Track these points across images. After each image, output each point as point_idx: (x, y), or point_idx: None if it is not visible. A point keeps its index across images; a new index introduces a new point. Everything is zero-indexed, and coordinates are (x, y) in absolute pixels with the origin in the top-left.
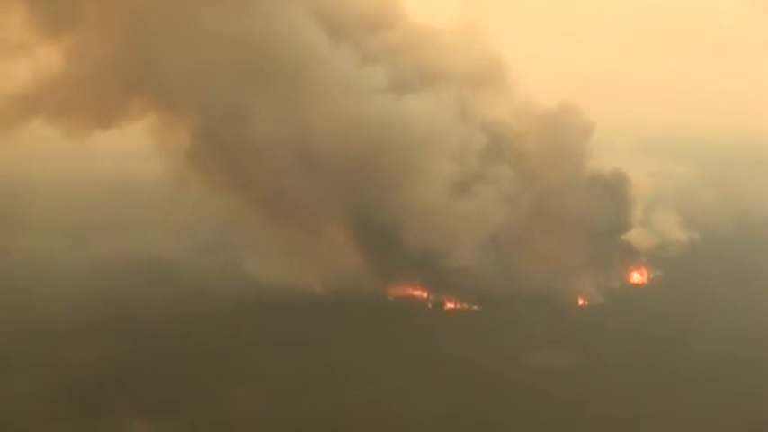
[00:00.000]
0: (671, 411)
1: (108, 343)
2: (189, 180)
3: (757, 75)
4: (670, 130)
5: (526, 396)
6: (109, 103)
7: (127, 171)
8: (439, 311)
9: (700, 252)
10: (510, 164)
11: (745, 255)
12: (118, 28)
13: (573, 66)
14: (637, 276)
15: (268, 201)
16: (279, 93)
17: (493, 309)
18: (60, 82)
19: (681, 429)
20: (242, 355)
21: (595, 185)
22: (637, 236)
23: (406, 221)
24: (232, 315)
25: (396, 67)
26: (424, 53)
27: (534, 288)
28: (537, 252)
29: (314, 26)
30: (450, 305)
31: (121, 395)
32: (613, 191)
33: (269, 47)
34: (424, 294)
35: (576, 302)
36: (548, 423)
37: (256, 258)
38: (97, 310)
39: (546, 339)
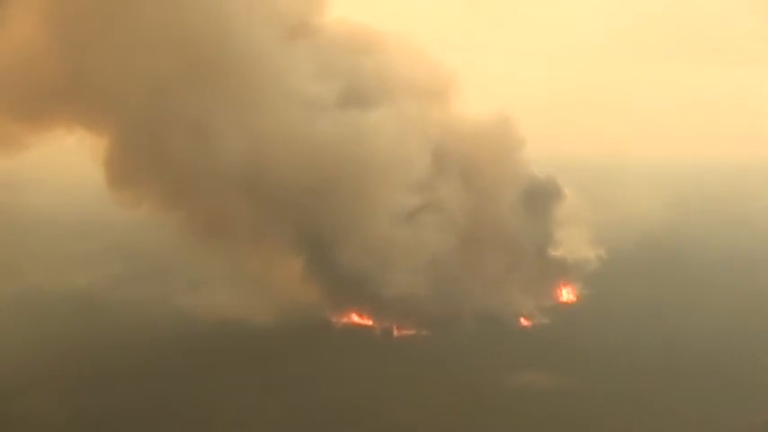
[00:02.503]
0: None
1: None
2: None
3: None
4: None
5: (500, 418)
6: (34, 110)
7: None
8: (388, 339)
9: (612, 269)
10: (453, 183)
11: (652, 269)
12: (45, 26)
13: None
14: (567, 294)
15: (204, 224)
16: (225, 103)
17: (442, 333)
18: None
19: None
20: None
21: (532, 197)
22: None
23: (349, 250)
24: (163, 350)
25: (348, 81)
26: (377, 65)
27: (476, 310)
28: (475, 273)
29: (266, 31)
30: (398, 332)
31: None
32: (546, 202)
33: (214, 50)
34: (370, 322)
35: (520, 323)
36: None
37: (191, 290)
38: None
39: (506, 362)
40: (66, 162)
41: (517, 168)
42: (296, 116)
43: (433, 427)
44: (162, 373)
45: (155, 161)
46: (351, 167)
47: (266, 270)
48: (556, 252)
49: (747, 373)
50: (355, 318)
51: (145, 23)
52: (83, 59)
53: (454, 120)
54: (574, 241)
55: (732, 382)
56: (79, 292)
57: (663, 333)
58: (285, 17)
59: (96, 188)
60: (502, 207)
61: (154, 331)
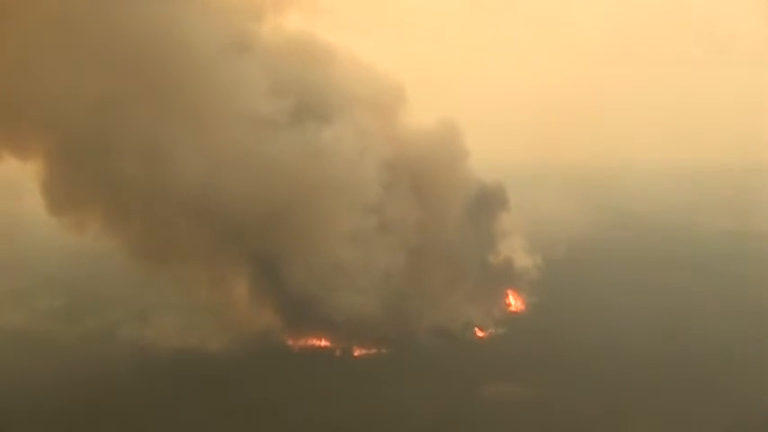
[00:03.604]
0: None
1: None
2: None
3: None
4: None
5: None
6: None
7: None
8: (349, 359)
9: (550, 276)
10: (404, 200)
11: (588, 275)
12: None
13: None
14: (515, 303)
15: (151, 248)
16: (174, 121)
17: (400, 350)
18: None
19: None
20: None
21: (479, 204)
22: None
23: (297, 273)
24: (116, 386)
25: (300, 96)
26: (327, 78)
27: (428, 325)
28: (423, 287)
29: (213, 44)
30: (358, 352)
31: None
32: (493, 210)
33: (160, 65)
34: (327, 344)
35: (475, 334)
36: None
37: (137, 320)
38: None
39: (473, 374)
40: None
41: (463, 178)
42: (249, 135)
43: None
44: (122, 409)
45: (98, 182)
46: (306, 188)
47: (216, 295)
48: (498, 261)
49: (712, 372)
50: (312, 340)
51: (86, 38)
52: (15, 77)
53: (402, 132)
54: (512, 249)
55: (700, 378)
56: (11, 329)
57: (619, 337)
58: (232, 29)
59: (14, 219)
60: (448, 219)
61: (102, 367)
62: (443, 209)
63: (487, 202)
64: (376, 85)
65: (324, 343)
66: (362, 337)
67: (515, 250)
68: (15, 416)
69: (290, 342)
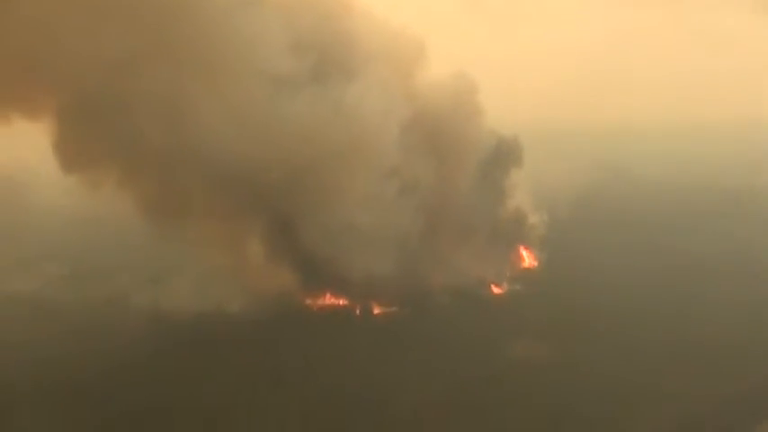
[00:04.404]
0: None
1: None
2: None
3: None
4: None
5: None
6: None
7: None
8: (369, 318)
9: (556, 233)
10: (424, 160)
11: (594, 233)
12: None
13: None
14: (528, 259)
15: (166, 208)
16: (195, 80)
17: (419, 309)
18: None
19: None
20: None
21: (495, 159)
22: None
23: (314, 234)
24: (137, 353)
25: (321, 52)
26: (347, 32)
27: (444, 282)
28: (437, 245)
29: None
30: (377, 310)
31: None
32: (508, 165)
33: (179, 21)
34: (345, 302)
35: (491, 292)
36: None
37: (150, 286)
38: None
39: (496, 332)
40: None
41: (479, 134)
42: (268, 94)
43: (456, 402)
44: (145, 377)
45: (114, 140)
46: (328, 151)
47: (231, 256)
48: (509, 215)
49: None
50: (330, 299)
51: None
52: (32, 34)
53: (420, 88)
54: (520, 206)
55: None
56: (19, 297)
57: (632, 295)
58: None
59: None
60: (463, 176)
61: (118, 334)
62: (459, 166)
63: (503, 157)
64: (394, 39)
65: (342, 302)
66: (378, 295)
67: (524, 206)
68: (31, 387)
69: (308, 302)
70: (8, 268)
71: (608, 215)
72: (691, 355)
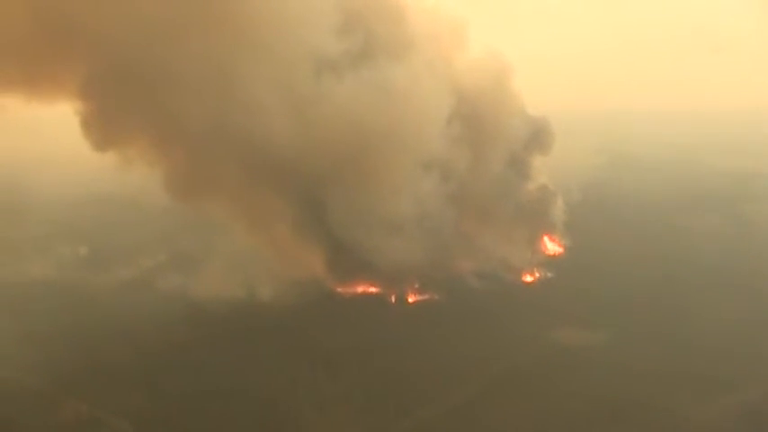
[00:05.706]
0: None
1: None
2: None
3: None
4: None
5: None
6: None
7: None
8: (404, 305)
9: (573, 219)
10: (461, 148)
11: (609, 218)
12: None
13: None
14: (552, 246)
15: (200, 188)
16: (242, 58)
17: (453, 296)
18: None
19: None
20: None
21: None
22: None
23: (346, 221)
24: (169, 339)
25: (366, 33)
26: (391, 14)
27: (473, 269)
28: (467, 231)
29: None
30: (412, 298)
31: None
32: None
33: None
34: (376, 290)
35: (522, 278)
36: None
37: (177, 270)
38: None
39: (534, 319)
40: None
41: (514, 117)
42: (317, 75)
43: (514, 387)
44: (194, 361)
45: (150, 113)
46: (372, 138)
47: (260, 240)
48: (533, 198)
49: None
50: (360, 286)
51: None
52: (72, 9)
53: (459, 73)
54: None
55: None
56: (36, 278)
57: (669, 282)
58: None
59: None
60: (496, 160)
61: (151, 320)
62: (493, 150)
63: (535, 140)
64: (436, 19)
65: (372, 289)
66: (408, 281)
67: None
68: (86, 375)
69: (339, 289)
70: (20, 249)
71: (618, 199)
72: (742, 341)
